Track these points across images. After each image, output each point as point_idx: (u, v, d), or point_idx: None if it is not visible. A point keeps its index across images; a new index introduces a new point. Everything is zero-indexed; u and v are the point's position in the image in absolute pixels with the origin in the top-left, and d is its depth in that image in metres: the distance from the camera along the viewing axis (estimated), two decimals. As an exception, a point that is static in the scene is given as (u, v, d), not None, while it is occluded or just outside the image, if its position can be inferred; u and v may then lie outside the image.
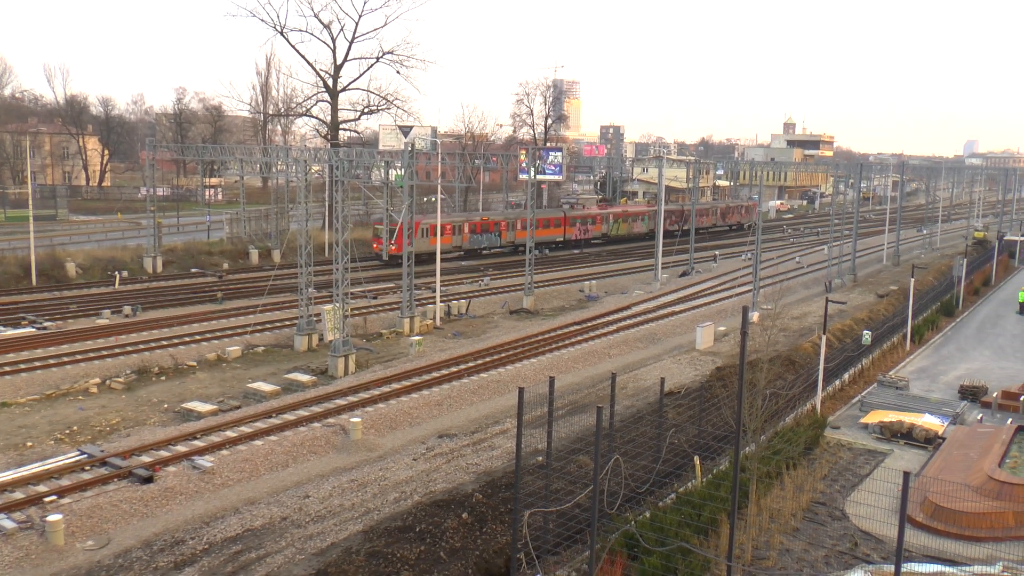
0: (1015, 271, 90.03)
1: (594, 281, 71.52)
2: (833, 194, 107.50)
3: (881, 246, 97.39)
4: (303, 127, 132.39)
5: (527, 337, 51.82)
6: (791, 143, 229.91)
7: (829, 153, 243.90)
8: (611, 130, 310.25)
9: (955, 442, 32.08)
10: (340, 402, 38.21)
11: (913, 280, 52.66)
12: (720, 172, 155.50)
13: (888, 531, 23.43)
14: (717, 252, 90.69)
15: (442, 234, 75.76)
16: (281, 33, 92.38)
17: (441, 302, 57.83)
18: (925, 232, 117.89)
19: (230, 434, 33.57)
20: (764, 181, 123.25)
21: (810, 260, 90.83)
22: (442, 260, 69.75)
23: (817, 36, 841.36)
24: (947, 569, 21.81)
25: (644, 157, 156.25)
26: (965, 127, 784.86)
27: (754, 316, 52.61)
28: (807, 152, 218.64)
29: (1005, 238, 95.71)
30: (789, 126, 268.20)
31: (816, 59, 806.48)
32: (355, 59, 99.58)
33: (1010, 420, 35.69)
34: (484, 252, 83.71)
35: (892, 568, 17.48)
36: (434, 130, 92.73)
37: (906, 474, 16.55)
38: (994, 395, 40.28)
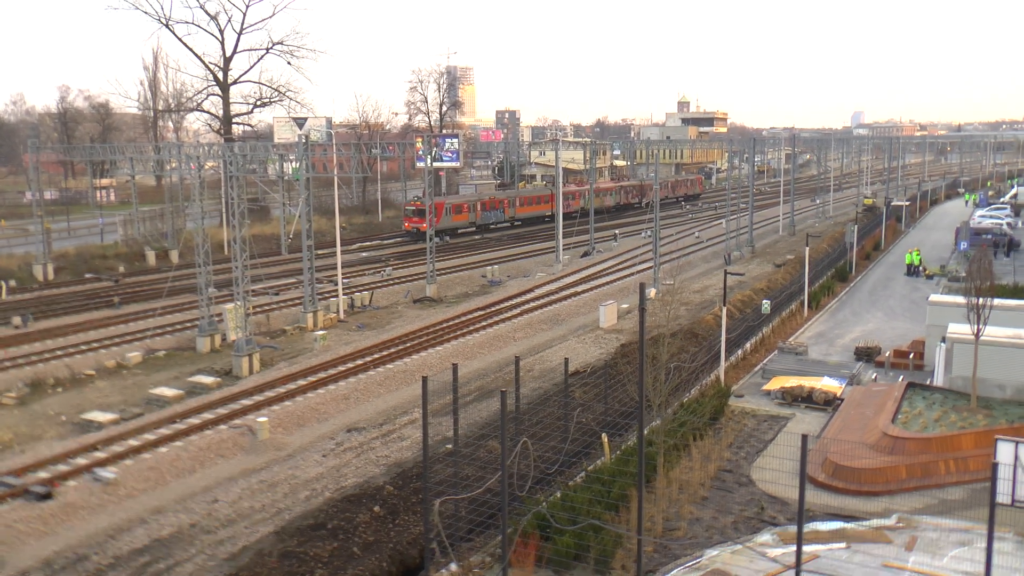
0: (902, 234, 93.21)
1: (496, 266, 71.64)
2: (728, 169, 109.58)
3: (777, 217, 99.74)
4: (195, 122, 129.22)
5: (432, 325, 51.68)
6: (686, 121, 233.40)
7: (723, 129, 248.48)
8: (507, 115, 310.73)
9: (852, 402, 33.09)
10: (246, 402, 37.54)
11: (808, 249, 54.07)
12: (617, 152, 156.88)
13: (792, 493, 23.98)
14: (617, 231, 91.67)
15: (460, 212, 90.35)
16: (166, 25, 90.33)
17: (344, 294, 57.25)
18: (818, 202, 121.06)
19: (133, 443, 32.70)
20: (661, 159, 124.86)
21: (709, 234, 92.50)
22: (460, 233, 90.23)
23: (707, 14, 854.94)
24: (847, 525, 22.49)
25: (541, 140, 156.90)
26: (852, 99, 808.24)
27: (653, 292, 53.31)
28: (702, 129, 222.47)
29: (892, 204, 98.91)
30: (683, 104, 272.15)
31: (707, 37, 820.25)
32: (245, 51, 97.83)
33: (901, 377, 36.96)
34: (492, 227, 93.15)
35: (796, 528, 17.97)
36: (329, 121, 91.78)
37: (804, 436, 16.97)
38: (887, 354, 41.70)
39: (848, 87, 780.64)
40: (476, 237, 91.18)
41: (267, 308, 55.31)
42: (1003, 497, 17.60)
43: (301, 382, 40.34)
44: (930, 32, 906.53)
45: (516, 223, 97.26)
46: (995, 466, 17.15)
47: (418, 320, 53.91)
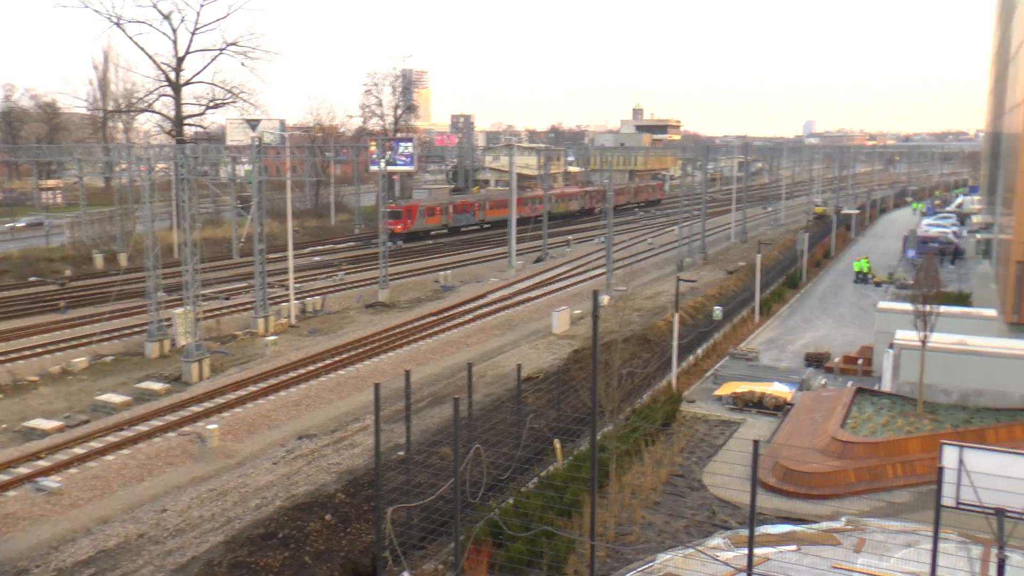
0: (852, 242, 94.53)
1: (449, 271, 71.55)
2: (682, 176, 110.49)
3: (729, 224, 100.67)
4: (146, 123, 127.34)
5: (384, 331, 51.49)
6: (640, 128, 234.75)
7: (677, 137, 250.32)
8: (462, 119, 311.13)
9: (802, 407, 33.48)
10: (196, 409, 37.16)
11: (759, 256, 54.65)
12: (571, 158, 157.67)
13: (743, 497, 24.21)
14: (570, 237, 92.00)
15: (433, 214, 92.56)
16: (117, 24, 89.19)
17: (296, 299, 56.85)
18: (770, 209, 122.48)
19: (78, 451, 32.20)
20: (615, 166, 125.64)
21: (662, 241, 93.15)
22: (432, 235, 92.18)
23: (661, 23, 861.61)
24: (798, 528, 22.75)
25: (495, 145, 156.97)
26: (804, 109, 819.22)
27: (606, 299, 53.54)
28: (656, 136, 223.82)
29: (842, 212, 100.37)
30: (638, 112, 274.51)
31: (662, 45, 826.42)
32: (198, 51, 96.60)
33: (850, 383, 37.43)
34: (463, 229, 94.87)
35: (747, 532, 18.14)
36: (282, 123, 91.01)
37: (755, 442, 17.11)
38: (836, 360, 42.24)
39: (800, 97, 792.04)
40: (428, 242, 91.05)
41: (218, 313, 54.76)
42: (948, 500, 17.85)
43: (252, 388, 40.00)
44: (880, 43, 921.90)
45: (485, 226, 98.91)
46: (940, 470, 17.44)
47: (371, 325, 53.67)
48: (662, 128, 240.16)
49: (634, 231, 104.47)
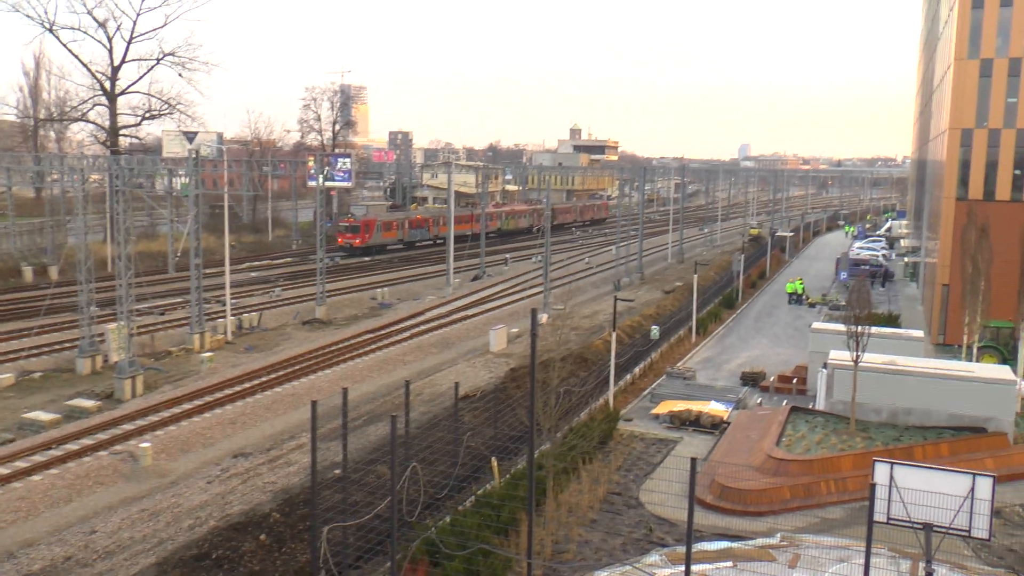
0: (787, 264, 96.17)
1: (387, 288, 71.24)
2: (619, 196, 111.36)
3: (666, 245, 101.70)
4: (79, 133, 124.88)
5: (321, 348, 51.10)
6: (578, 148, 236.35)
7: (614, 158, 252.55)
8: (400, 136, 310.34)
9: (738, 426, 33.92)
10: (128, 427, 36.46)
11: (696, 276, 55.32)
12: (509, 177, 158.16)
13: (680, 515, 24.45)
14: (508, 256, 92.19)
15: (389, 229, 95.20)
16: (50, 30, 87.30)
17: (232, 315, 56.14)
18: (706, 231, 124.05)
19: (3, 471, 31.37)
20: (552, 185, 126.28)
21: (599, 260, 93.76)
22: (388, 249, 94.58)
23: (599, 44, 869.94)
24: (734, 545, 23.00)
25: (433, 163, 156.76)
26: (740, 132, 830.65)
27: (544, 317, 53.76)
28: (593, 157, 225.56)
29: (777, 234, 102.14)
30: (575, 132, 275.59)
31: (600, 66, 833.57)
32: (134, 60, 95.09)
33: (785, 401, 38.06)
34: (418, 244, 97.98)
35: (684, 549, 18.32)
36: (220, 136, 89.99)
37: (693, 460, 17.30)
38: (771, 380, 42.90)
39: (736, 120, 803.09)
40: (366, 259, 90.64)
41: (152, 328, 53.84)
42: (880, 515, 18.27)
43: (186, 406, 39.40)
44: (813, 70, 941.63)
45: (439, 241, 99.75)
46: (873, 486, 17.83)
47: (307, 342, 53.22)
48: (600, 148, 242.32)
49: (572, 250, 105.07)
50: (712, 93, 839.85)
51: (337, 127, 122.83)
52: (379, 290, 70.47)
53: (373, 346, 52.21)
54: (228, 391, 41.90)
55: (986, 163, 51.37)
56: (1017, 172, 50.98)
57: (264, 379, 44.05)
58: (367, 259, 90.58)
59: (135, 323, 46.93)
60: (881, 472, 18.66)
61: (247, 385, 43.00)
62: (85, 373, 45.74)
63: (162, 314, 58.83)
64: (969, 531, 18.15)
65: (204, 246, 56.78)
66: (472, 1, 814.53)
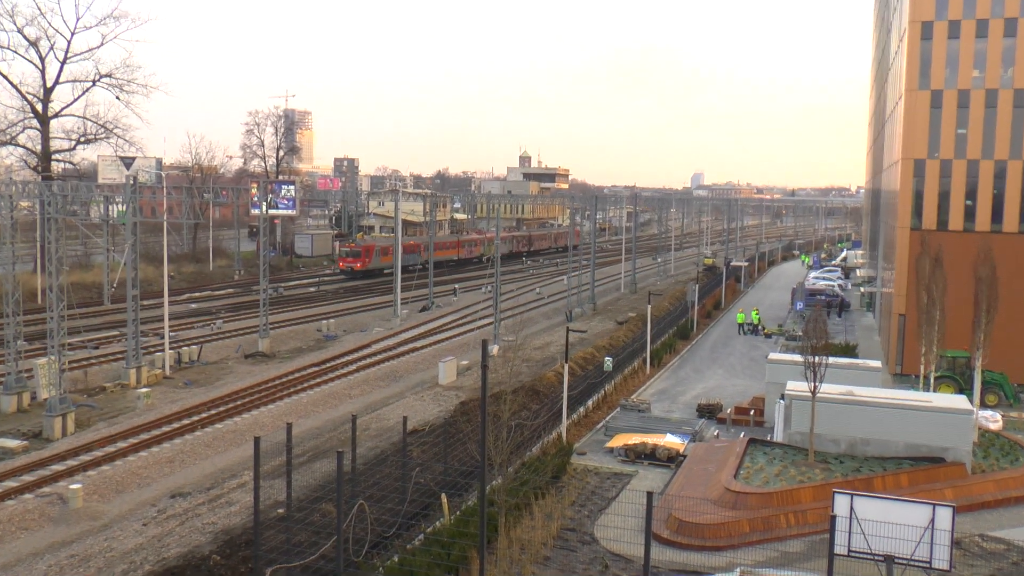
0: (742, 294, 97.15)
1: (332, 320, 70.74)
2: (570, 225, 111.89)
3: (619, 275, 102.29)
4: (8, 157, 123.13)
5: (264, 382, 50.53)
6: (527, 176, 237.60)
7: (565, 186, 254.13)
8: (346, 163, 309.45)
9: (695, 458, 34.02)
10: (57, 468, 35.60)
11: (650, 307, 55.64)
12: (458, 205, 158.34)
13: (636, 550, 24.39)
14: (457, 286, 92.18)
15: (386, 254, 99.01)
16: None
17: (171, 349, 55.35)
18: (659, 260, 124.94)
19: (-79, 512, 30.47)
20: (502, 214, 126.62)
21: (551, 291, 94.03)
22: (381, 274, 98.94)
23: (548, 71, 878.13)
24: (691, 583, 22.97)
25: (380, 190, 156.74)
26: (692, 160, 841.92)
27: (495, 349, 53.70)
28: (543, 185, 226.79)
29: (732, 264, 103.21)
30: (525, 159, 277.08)
31: (549, 93, 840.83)
32: (68, 81, 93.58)
33: (743, 433, 38.28)
34: (411, 268, 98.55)
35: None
36: (159, 162, 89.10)
37: (649, 494, 17.32)
38: (728, 411, 43.14)
39: (689, 149, 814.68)
40: (311, 290, 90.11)
41: (85, 363, 52.89)
42: (840, 548, 18.39)
43: (121, 444, 38.65)
44: (767, 97, 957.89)
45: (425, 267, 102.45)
46: (833, 518, 17.94)
47: (250, 376, 52.61)
48: (550, 176, 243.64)
49: (522, 280, 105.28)
50: (665, 119, 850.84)
51: (281, 153, 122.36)
52: (324, 322, 69.95)
53: (318, 380, 51.74)
54: (166, 428, 41.22)
55: (939, 193, 52.44)
56: (969, 203, 52.10)
57: (204, 415, 43.41)
58: (312, 290, 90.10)
59: (67, 357, 46.08)
60: (841, 503, 18.82)
61: (186, 421, 42.34)
62: (11, 411, 44.62)
63: (96, 348, 57.87)
64: (930, 562, 18.35)
65: (142, 276, 56.06)
66: (418, 26, 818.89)
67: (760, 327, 69.99)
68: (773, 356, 44.89)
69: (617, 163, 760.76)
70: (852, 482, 29.11)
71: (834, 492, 19.34)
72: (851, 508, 18.67)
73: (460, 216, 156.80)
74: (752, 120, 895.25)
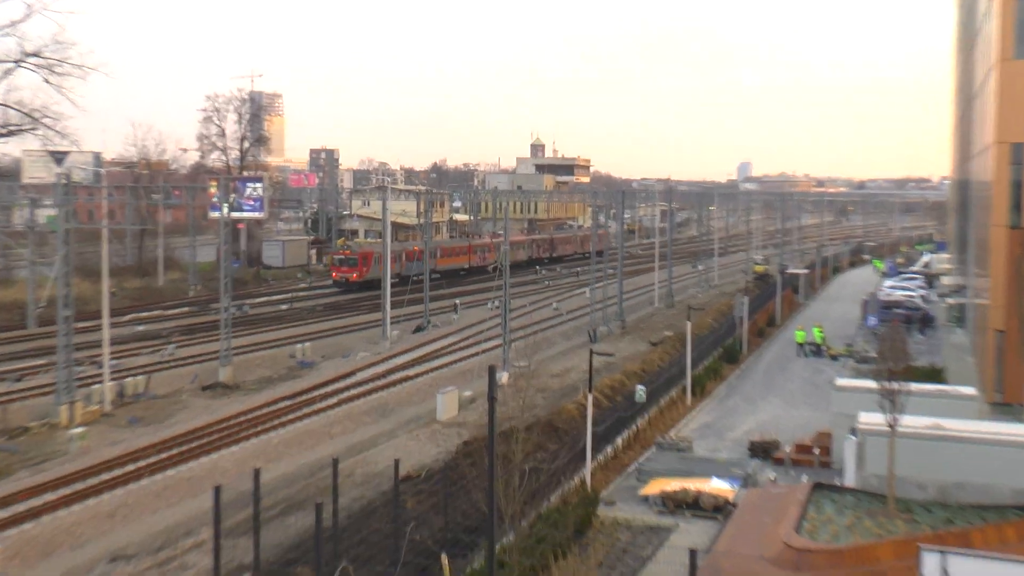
0: (801, 307, 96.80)
1: (308, 343, 70.64)
2: (592, 227, 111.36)
3: (651, 286, 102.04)
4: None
5: (226, 419, 50.51)
6: (541, 168, 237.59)
7: (585, 179, 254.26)
8: (323, 155, 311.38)
9: (748, 507, 33.65)
10: (-33, 527, 35.53)
11: (690, 324, 55.40)
12: (458, 204, 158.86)
13: (678, 624, 24.11)
14: (458, 301, 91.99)
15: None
16: None
17: (112, 380, 55.29)
18: (700, 268, 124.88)
19: None
20: (511, 213, 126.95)
21: (570, 306, 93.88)
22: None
23: (565, 49, 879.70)
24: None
25: (365, 187, 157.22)
26: (738, 148, 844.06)
27: (503, 377, 53.42)
28: (560, 178, 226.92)
29: (787, 271, 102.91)
30: (537, 148, 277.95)
31: (567, 73, 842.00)
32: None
33: (805, 477, 37.91)
34: (414, 278, 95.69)
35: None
36: (98, 157, 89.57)
37: (692, 552, 17.04)
38: (787, 449, 42.77)
39: (733, 135, 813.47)
40: (283, 307, 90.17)
41: (5, 398, 52.92)
42: (931, 619, 18.05)
43: (49, 496, 38.52)
44: (828, 71, 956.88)
45: (435, 275, 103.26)
46: (921, 582, 17.58)
47: (207, 412, 52.59)
48: (568, 168, 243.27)
49: (537, 293, 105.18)
50: (704, 100, 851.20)
51: (246, 144, 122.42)
52: (299, 345, 69.86)
53: (292, 415, 51.70)
54: (105, 476, 41.12)
55: (1043, 183, 52.00)
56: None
57: (153, 459, 43.34)
58: (284, 307, 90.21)
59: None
60: (930, 563, 18.47)
61: (130, 468, 42.24)
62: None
63: (18, 380, 57.91)
64: (1043, 636, 17.97)
65: (76, 294, 56.08)
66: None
67: (824, 347, 69.65)
68: (841, 382, 44.56)
69: (647, 152, 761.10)
70: (943, 536, 28.64)
71: (921, 549, 18.98)
72: (943, 569, 18.34)
73: (461, 217, 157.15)
74: (809, 100, 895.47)
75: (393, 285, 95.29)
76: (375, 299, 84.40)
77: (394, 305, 75.64)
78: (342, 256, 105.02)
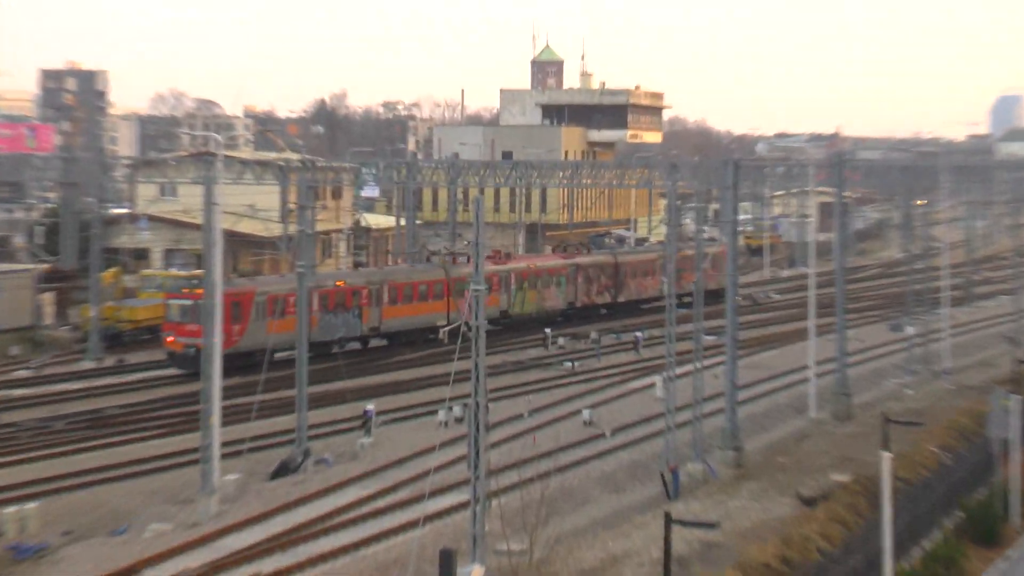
0: None
1: (33, 504, 69.92)
2: (670, 234, 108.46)
3: (801, 369, 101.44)
4: None
5: None
6: (550, 113, 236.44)
7: (657, 135, 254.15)
8: (72, 78, 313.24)
9: None
10: None
11: (888, 458, 54.57)
12: (375, 188, 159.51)
13: None
14: (370, 406, 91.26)
15: (283, 313, 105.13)
16: None
17: None
18: (910, 330, 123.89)
19: None
20: (495, 209, 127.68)
21: (623, 413, 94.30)
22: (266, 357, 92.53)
23: None
24: None
25: (163, 152, 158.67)
26: (985, 75, 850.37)
27: (473, 571, 53.03)
28: (598, 134, 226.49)
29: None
30: (547, 68, 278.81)
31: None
32: None
33: None
34: (343, 342, 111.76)
35: None
36: None
37: None
38: None
39: (980, 44, 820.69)
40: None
41: None
42: None
43: None
44: None
45: (378, 338, 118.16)
46: None
47: None
48: (618, 113, 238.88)
49: (555, 382, 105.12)
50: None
51: None
52: (13, 508, 69.25)
53: None
54: None
55: None
56: None
57: None
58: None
59: None
60: None
61: None
62: None
63: None
64: None
65: None
66: None
67: None
68: None
69: (776, 84, 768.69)
70: None
71: None
72: None
73: (383, 219, 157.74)
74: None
75: (286, 362, 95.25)
76: (241, 391, 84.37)
77: (236, 412, 75.14)
78: (183, 301, 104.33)
